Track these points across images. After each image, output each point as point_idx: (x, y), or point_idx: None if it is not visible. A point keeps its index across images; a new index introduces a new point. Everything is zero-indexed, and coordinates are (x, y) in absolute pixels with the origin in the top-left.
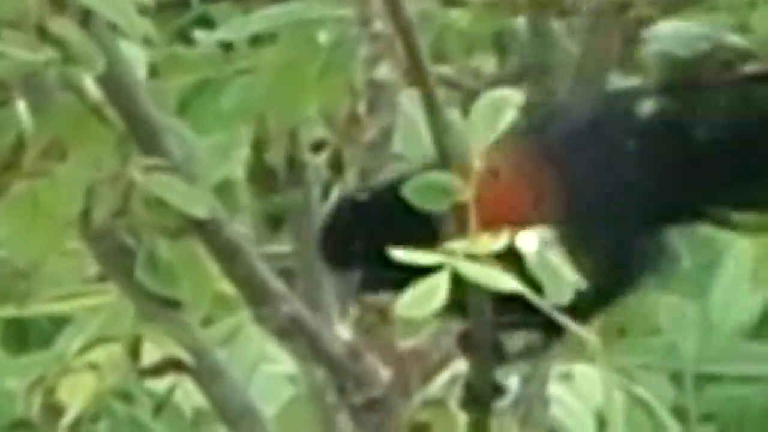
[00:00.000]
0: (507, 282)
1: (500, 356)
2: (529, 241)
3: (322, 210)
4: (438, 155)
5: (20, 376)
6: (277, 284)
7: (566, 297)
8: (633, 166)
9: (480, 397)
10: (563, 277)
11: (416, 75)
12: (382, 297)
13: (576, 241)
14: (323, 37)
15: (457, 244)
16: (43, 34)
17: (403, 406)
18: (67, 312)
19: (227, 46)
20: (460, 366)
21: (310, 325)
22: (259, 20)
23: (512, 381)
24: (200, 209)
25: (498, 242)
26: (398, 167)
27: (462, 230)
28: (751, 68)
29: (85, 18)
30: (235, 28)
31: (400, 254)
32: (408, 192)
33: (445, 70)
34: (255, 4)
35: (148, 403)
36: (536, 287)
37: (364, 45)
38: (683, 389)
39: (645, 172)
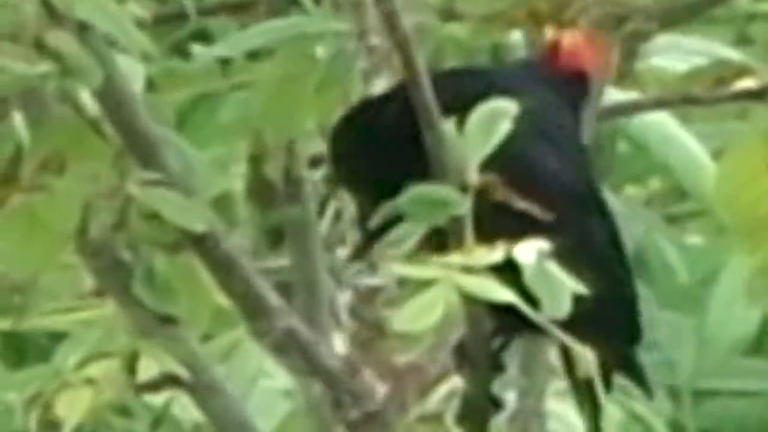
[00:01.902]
0: (504, 294)
1: (497, 369)
2: (527, 253)
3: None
4: (435, 168)
5: (18, 390)
6: (275, 299)
7: (564, 311)
8: None
9: (477, 411)
10: (561, 290)
11: (413, 89)
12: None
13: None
14: (320, 51)
15: (455, 257)
16: (40, 47)
17: (399, 421)
18: (64, 326)
19: (225, 61)
20: (457, 381)
21: (306, 339)
22: (257, 35)
23: (509, 396)
24: (198, 224)
25: (495, 254)
26: None
27: (459, 243)
28: (747, 83)
29: (83, 32)
30: (233, 42)
31: (398, 268)
32: (405, 204)
33: None
34: (252, 19)
35: (145, 417)
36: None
37: (361, 59)
38: (680, 404)
39: None
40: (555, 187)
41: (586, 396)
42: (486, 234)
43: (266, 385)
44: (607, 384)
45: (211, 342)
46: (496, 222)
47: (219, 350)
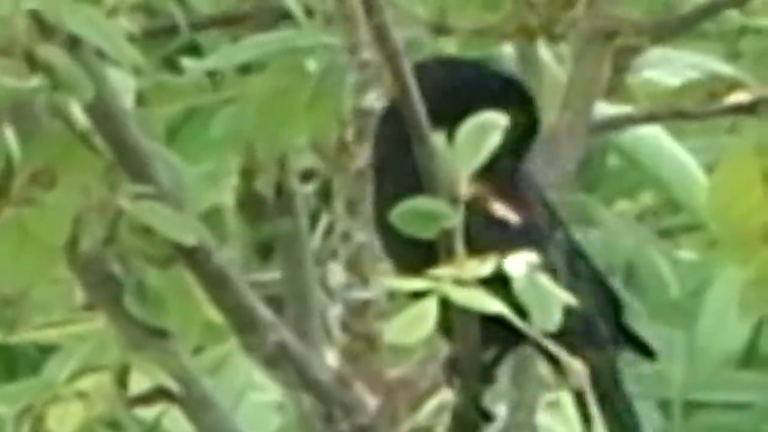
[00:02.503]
0: (494, 306)
1: (487, 382)
2: (517, 266)
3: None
4: (426, 181)
5: (8, 404)
6: (266, 312)
7: (554, 323)
8: None
9: (467, 425)
10: (551, 303)
11: (404, 103)
12: None
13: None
14: (312, 65)
15: (445, 270)
16: (31, 61)
17: None
18: (55, 340)
19: (215, 74)
20: (448, 394)
21: (297, 353)
22: (248, 48)
23: (500, 409)
24: (188, 237)
25: (485, 267)
26: None
27: (449, 256)
28: (739, 97)
29: (73, 46)
30: (224, 56)
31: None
32: (395, 218)
33: None
34: (243, 32)
35: (136, 431)
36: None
37: (352, 73)
38: (671, 417)
39: None
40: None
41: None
42: (476, 247)
43: (257, 398)
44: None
45: (200, 355)
46: (486, 234)
47: (208, 364)
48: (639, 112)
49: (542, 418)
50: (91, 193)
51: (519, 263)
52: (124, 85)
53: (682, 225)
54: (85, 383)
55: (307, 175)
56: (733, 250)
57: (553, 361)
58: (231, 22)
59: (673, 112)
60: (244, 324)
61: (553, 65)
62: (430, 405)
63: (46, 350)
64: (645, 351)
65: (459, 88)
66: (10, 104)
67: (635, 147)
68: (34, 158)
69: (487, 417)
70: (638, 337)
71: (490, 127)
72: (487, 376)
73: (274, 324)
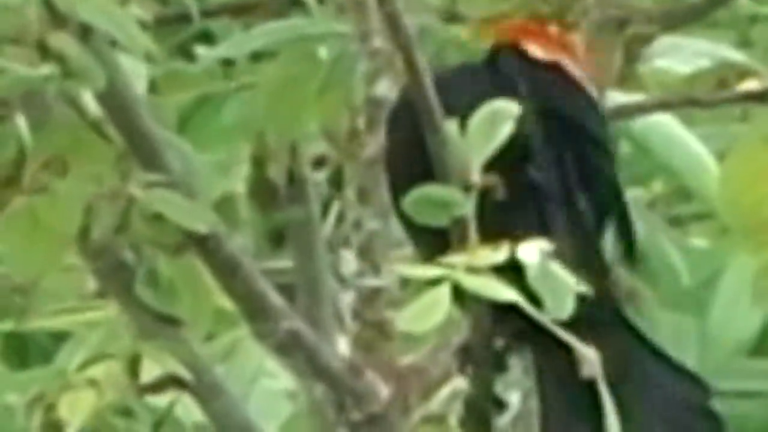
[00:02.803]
0: (508, 293)
1: (500, 370)
2: (530, 253)
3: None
4: (438, 169)
5: (20, 392)
6: (277, 300)
7: (567, 311)
8: None
9: (480, 413)
10: (564, 291)
11: (416, 91)
12: None
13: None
14: (323, 53)
15: (458, 257)
16: (43, 50)
17: (402, 423)
18: (66, 327)
19: (228, 62)
20: (460, 382)
21: (309, 341)
22: (260, 36)
23: (513, 397)
24: (200, 225)
25: (498, 255)
26: None
27: (462, 244)
28: (750, 85)
29: (85, 33)
30: (236, 44)
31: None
32: (407, 206)
33: None
34: (255, 20)
35: (148, 419)
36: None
37: (364, 61)
38: None
39: None
40: None
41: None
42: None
43: (269, 386)
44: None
45: (211, 343)
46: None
47: (219, 351)
48: (650, 101)
49: None
50: (102, 181)
51: (532, 251)
52: (136, 73)
53: (694, 213)
54: (97, 371)
55: (318, 163)
56: (744, 239)
57: (566, 349)
58: (243, 10)
59: (684, 100)
60: (255, 312)
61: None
62: (443, 393)
63: (58, 338)
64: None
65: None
66: (21, 93)
67: (646, 135)
68: (45, 146)
69: (499, 405)
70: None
71: (502, 115)
72: (499, 364)
73: (285, 312)
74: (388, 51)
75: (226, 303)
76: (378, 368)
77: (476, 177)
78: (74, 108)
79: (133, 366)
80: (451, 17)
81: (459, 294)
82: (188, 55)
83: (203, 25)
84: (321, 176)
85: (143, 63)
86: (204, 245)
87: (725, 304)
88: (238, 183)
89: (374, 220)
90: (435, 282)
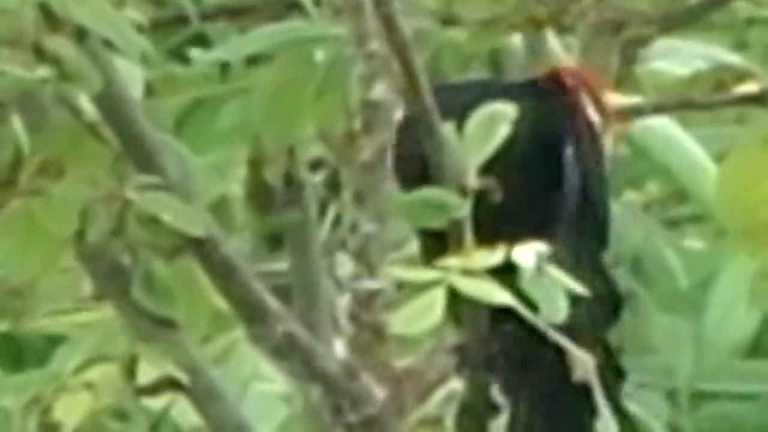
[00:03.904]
0: (502, 296)
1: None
2: (526, 256)
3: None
4: (434, 171)
5: (16, 394)
6: (273, 303)
7: (561, 315)
8: None
9: (475, 415)
10: (558, 295)
11: (412, 94)
12: None
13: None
14: (319, 55)
15: (453, 260)
16: (39, 52)
17: (398, 425)
18: (62, 330)
19: (223, 65)
20: (456, 384)
21: (305, 343)
22: (256, 39)
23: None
24: (196, 228)
25: (494, 257)
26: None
27: (458, 246)
28: (747, 87)
29: (81, 36)
30: (232, 47)
31: (397, 271)
32: (405, 207)
33: None
34: (251, 23)
35: (144, 421)
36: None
37: (360, 64)
38: (678, 407)
39: None
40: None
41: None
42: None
43: (264, 389)
44: (606, 388)
45: (207, 345)
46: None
47: (214, 354)
48: (647, 103)
49: None
50: (98, 183)
51: (527, 254)
52: (132, 76)
53: (690, 215)
54: (93, 374)
55: (315, 166)
56: (742, 242)
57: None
58: (239, 13)
59: (681, 103)
60: (251, 314)
61: (561, 56)
62: (438, 396)
63: (54, 341)
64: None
65: None
66: (18, 95)
67: (643, 137)
68: (41, 149)
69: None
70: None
71: (498, 118)
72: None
73: (281, 314)
74: (385, 54)
75: (222, 305)
76: (374, 371)
77: (472, 180)
78: (70, 111)
79: (129, 368)
80: (448, 20)
81: (454, 296)
82: (183, 58)
83: (199, 28)
84: (317, 179)
85: (139, 66)
86: (200, 248)
87: (721, 305)
88: (235, 186)
89: (370, 223)
90: (430, 285)
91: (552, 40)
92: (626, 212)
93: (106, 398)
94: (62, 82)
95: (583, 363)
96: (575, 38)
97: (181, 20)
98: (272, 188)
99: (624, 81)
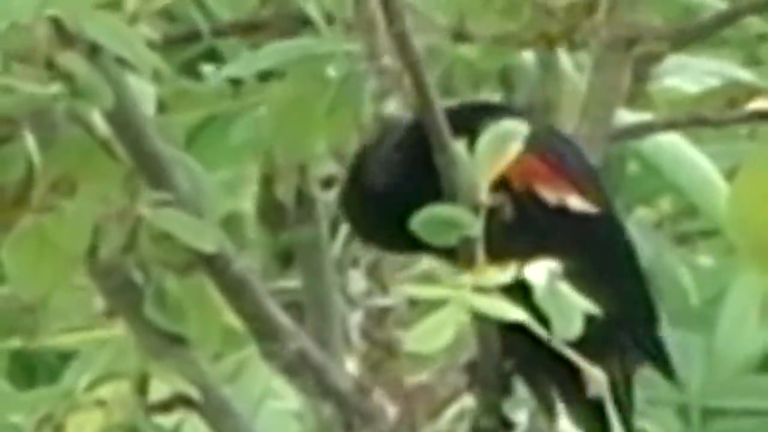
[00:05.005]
0: (515, 314)
1: (507, 389)
2: (538, 273)
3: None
4: (447, 188)
5: (27, 411)
6: (285, 320)
7: (575, 332)
8: None
9: None
10: (572, 311)
11: (424, 110)
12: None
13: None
14: (332, 72)
15: (465, 277)
16: (51, 68)
17: None
18: (74, 347)
19: (235, 81)
20: (468, 401)
21: (317, 360)
22: (268, 55)
23: (520, 416)
24: (208, 244)
25: (506, 274)
26: None
27: (470, 263)
28: (758, 104)
29: (94, 52)
30: (244, 63)
31: (409, 288)
32: (416, 226)
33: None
34: (263, 39)
35: None
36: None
37: (372, 80)
38: (689, 423)
39: None
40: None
41: (591, 419)
42: (497, 254)
43: (276, 406)
44: (618, 405)
45: (219, 362)
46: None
47: (226, 371)
48: (659, 120)
49: (563, 424)
50: (110, 200)
51: (540, 271)
52: (144, 92)
53: (700, 230)
54: (105, 391)
55: (327, 183)
56: (753, 259)
57: (573, 369)
58: (251, 29)
59: (693, 119)
60: (263, 331)
61: (572, 73)
62: (450, 413)
63: (65, 358)
64: (665, 369)
65: None
66: (30, 112)
67: (654, 153)
68: (53, 166)
69: (507, 425)
70: (664, 356)
71: (510, 135)
72: (506, 386)
73: (293, 331)
74: (397, 70)
75: (234, 322)
76: (386, 388)
77: (484, 197)
78: (82, 127)
79: (141, 386)
80: (460, 36)
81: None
82: (196, 74)
83: (211, 44)
84: (330, 196)
85: (151, 82)
86: (212, 265)
87: (732, 321)
88: (247, 202)
89: None
90: (443, 302)
91: (563, 57)
92: (637, 229)
93: (117, 415)
94: (74, 99)
95: (597, 379)
96: (587, 55)
97: (194, 36)
98: (284, 205)
99: (636, 98)
